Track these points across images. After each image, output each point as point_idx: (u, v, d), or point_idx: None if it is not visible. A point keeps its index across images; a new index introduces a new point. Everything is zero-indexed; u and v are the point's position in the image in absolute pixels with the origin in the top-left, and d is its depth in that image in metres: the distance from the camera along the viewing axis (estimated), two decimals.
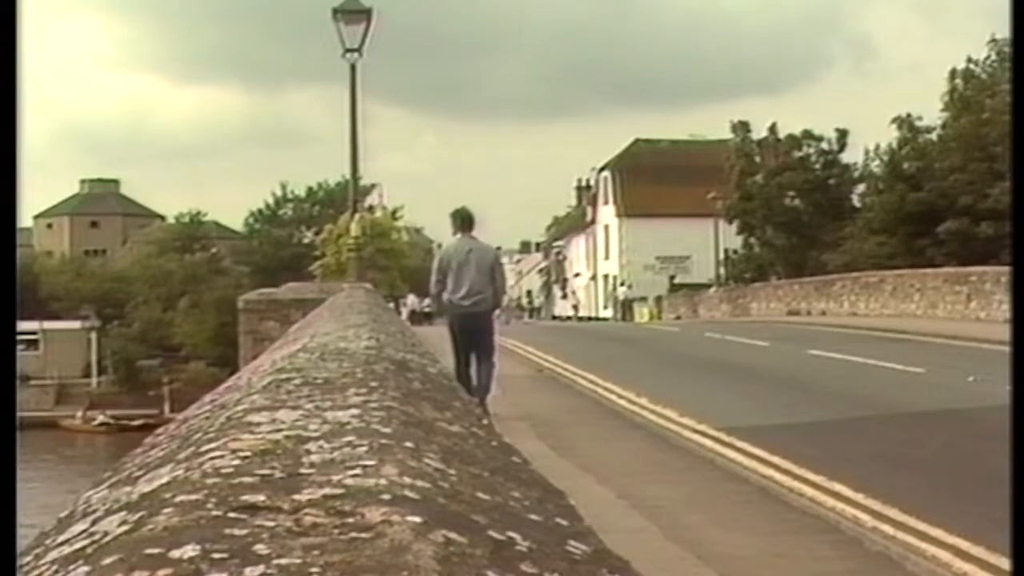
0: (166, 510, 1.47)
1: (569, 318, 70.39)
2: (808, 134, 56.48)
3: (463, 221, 12.55)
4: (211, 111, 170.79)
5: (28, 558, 1.53)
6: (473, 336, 12.42)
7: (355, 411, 2.34)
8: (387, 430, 2.12)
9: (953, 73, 45.55)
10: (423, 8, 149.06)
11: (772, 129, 57.13)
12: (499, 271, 12.93)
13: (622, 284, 66.24)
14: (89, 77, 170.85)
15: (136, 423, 52.61)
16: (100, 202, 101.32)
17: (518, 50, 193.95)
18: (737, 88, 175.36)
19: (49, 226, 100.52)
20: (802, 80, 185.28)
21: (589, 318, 69.42)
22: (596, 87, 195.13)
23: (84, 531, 1.52)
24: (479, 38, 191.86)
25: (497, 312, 13.84)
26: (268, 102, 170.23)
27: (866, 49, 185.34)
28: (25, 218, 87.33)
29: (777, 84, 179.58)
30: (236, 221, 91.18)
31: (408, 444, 1.99)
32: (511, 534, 1.48)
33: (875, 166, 50.14)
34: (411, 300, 53.44)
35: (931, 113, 46.84)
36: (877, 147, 48.92)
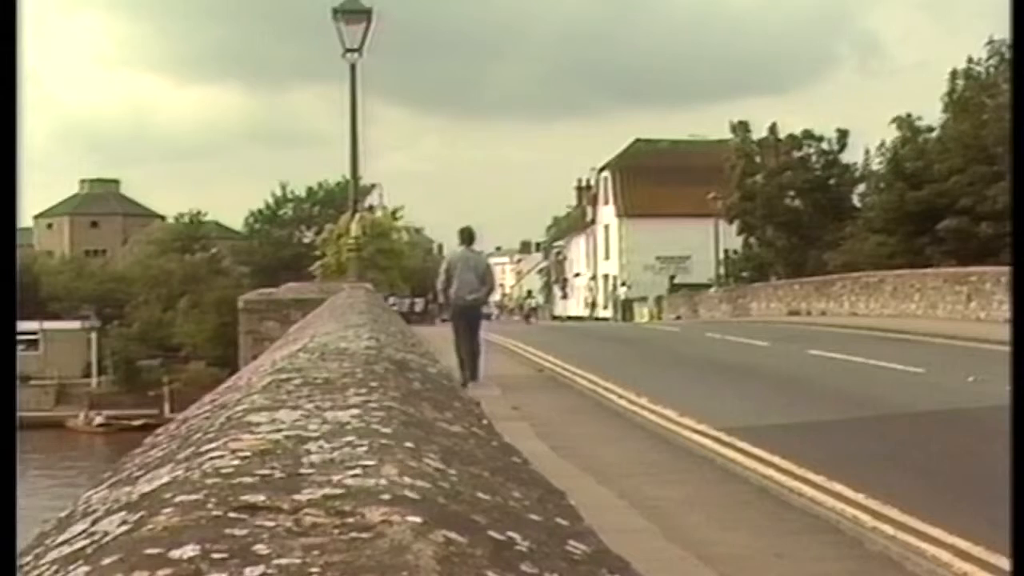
0: (166, 510, 1.47)
1: (584, 319, 69.53)
2: (808, 134, 56.54)
3: (467, 236, 16.85)
4: (213, 111, 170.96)
5: (28, 558, 1.54)
6: (470, 320, 16.40)
7: (355, 411, 2.34)
8: (387, 430, 2.12)
9: (954, 74, 45.54)
10: (428, 8, 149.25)
11: (772, 129, 57.18)
12: (489, 275, 17.02)
13: (622, 284, 66.19)
14: (90, 76, 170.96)
15: (136, 423, 52.60)
16: (100, 202, 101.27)
17: (521, 50, 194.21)
18: (743, 87, 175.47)
19: (49, 226, 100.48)
20: (808, 79, 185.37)
21: (588, 318, 69.34)
22: (600, 86, 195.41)
23: (84, 531, 1.52)
24: (483, 38, 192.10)
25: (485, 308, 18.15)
26: (270, 101, 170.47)
27: (873, 48, 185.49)
28: (25, 218, 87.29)
29: (783, 83, 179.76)
30: (236, 221, 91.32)
31: (408, 444, 1.99)
32: (511, 534, 1.48)
33: (876, 163, 50.21)
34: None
35: (936, 113, 46.86)
36: (881, 144, 48.94)
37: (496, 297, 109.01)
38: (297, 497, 1.50)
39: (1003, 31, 42.04)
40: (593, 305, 72.63)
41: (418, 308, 58.55)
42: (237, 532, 1.34)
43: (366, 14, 21.35)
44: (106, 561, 1.30)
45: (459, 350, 16.11)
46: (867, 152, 52.26)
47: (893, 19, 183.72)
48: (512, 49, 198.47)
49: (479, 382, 15.68)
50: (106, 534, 1.44)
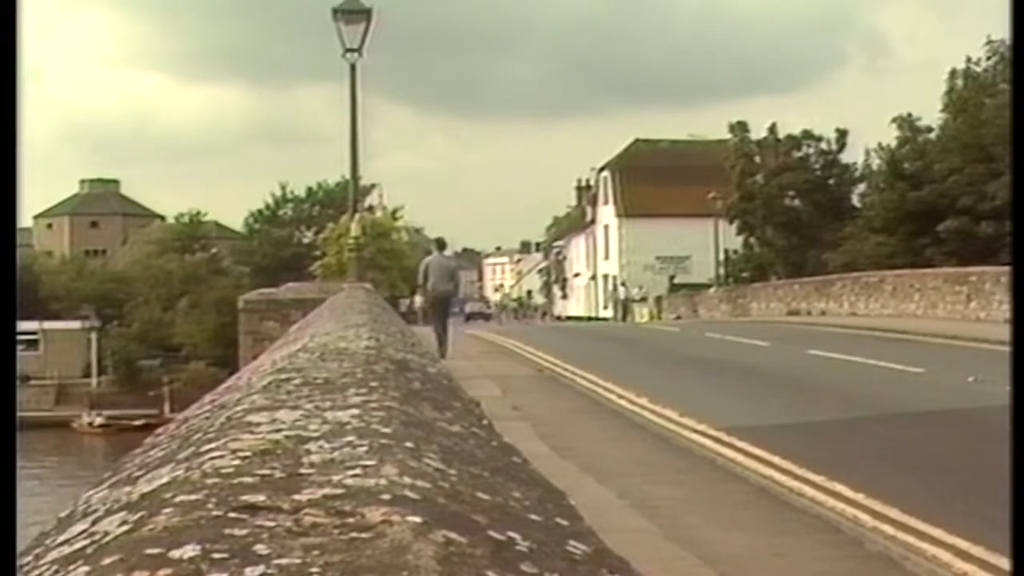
0: (166, 510, 1.47)
1: (581, 319, 69.03)
2: (808, 134, 56.55)
3: (440, 245, 22.28)
4: (215, 110, 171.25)
5: (28, 558, 1.54)
6: (443, 311, 21.08)
7: (355, 411, 2.34)
8: (387, 430, 2.12)
9: (953, 73, 45.53)
10: (431, 7, 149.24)
11: (772, 129, 57.21)
12: (456, 276, 21.91)
13: (622, 284, 66.19)
14: (92, 75, 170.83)
15: (136, 423, 52.59)
16: (100, 202, 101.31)
17: (523, 49, 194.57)
18: (748, 87, 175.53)
19: (49, 226, 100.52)
20: (814, 78, 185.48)
21: (589, 318, 69.29)
22: (605, 85, 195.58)
23: (84, 531, 1.52)
24: (485, 37, 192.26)
25: (454, 302, 23.51)
26: (273, 101, 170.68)
27: (879, 47, 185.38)
28: (25, 218, 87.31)
29: (789, 83, 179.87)
30: (236, 221, 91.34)
31: (408, 444, 1.99)
32: (511, 534, 1.48)
33: (876, 164, 50.19)
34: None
35: (937, 112, 46.79)
36: (880, 144, 48.92)
37: (497, 297, 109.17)
38: (297, 497, 1.50)
39: (1005, 30, 42.01)
40: (604, 305, 72.31)
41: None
42: (237, 532, 1.34)
43: (366, 14, 21.32)
44: (106, 561, 1.30)
45: (436, 329, 20.51)
46: (867, 152, 52.33)
47: (900, 18, 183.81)
48: (514, 49, 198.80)
49: (447, 358, 18.39)
50: (106, 534, 1.44)
